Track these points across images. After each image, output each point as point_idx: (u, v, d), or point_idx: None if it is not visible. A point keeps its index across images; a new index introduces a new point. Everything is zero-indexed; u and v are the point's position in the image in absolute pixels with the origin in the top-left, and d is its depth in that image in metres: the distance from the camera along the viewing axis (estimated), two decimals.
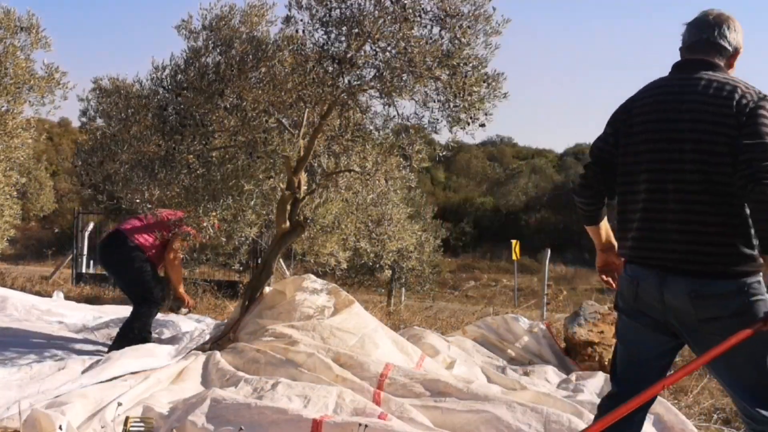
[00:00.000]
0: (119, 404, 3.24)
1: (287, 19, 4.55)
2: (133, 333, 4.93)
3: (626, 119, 2.44)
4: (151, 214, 5.03)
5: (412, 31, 4.25)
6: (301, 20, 4.53)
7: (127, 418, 3.12)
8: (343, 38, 4.39)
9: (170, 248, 5.17)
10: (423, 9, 4.25)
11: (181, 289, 5.37)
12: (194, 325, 6.19)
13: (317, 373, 3.97)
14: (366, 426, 2.94)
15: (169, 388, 3.84)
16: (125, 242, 5.08)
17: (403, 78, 4.27)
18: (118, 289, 9.47)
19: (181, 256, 5.31)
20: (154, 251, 5.14)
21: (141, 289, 5.14)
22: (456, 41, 4.24)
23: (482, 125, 4.43)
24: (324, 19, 4.44)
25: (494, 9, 4.27)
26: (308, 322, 4.65)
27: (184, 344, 5.13)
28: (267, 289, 5.33)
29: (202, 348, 4.83)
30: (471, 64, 4.30)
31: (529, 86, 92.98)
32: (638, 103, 2.43)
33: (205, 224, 4.32)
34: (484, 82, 4.32)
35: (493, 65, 4.45)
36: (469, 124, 4.38)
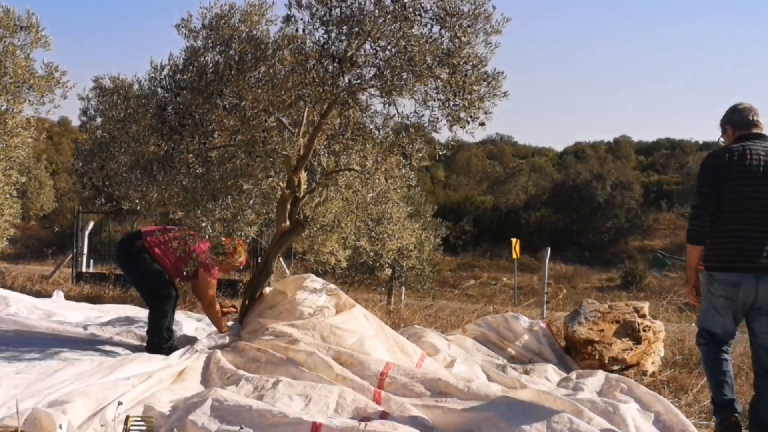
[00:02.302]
0: (119, 403, 3.24)
1: (287, 18, 4.54)
2: (154, 341, 4.98)
3: (726, 172, 3.53)
4: (180, 234, 4.93)
5: (412, 30, 4.24)
6: (301, 19, 4.53)
7: (127, 417, 3.12)
8: (343, 37, 4.38)
9: (204, 293, 5.18)
10: (423, 8, 4.25)
11: (224, 326, 5.31)
12: (195, 324, 6.19)
13: (318, 371, 3.97)
14: (366, 425, 2.94)
15: (170, 387, 3.84)
16: (136, 243, 5.09)
17: (403, 77, 4.26)
18: (119, 288, 9.49)
19: (215, 297, 5.27)
20: (164, 258, 5.10)
21: (146, 286, 5.15)
22: (456, 40, 4.23)
23: (482, 124, 4.43)
24: (324, 18, 4.43)
25: (494, 8, 4.27)
26: (308, 321, 4.65)
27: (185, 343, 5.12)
28: (267, 289, 5.33)
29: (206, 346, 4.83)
30: (471, 63, 4.30)
31: (529, 85, 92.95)
32: (734, 162, 3.53)
33: (204, 224, 4.30)
34: (484, 80, 4.32)
35: (493, 64, 4.44)
36: (469, 123, 4.38)
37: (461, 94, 4.28)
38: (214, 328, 5.92)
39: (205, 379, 4.12)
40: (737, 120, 3.70)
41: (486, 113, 4.36)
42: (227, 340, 4.79)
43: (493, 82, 4.33)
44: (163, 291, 5.08)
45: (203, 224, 4.26)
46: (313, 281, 5.12)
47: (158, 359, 4.29)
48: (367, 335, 4.59)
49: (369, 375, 3.93)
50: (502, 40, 4.34)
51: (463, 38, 4.23)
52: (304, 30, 4.50)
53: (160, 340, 4.99)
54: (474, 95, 4.28)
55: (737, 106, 3.74)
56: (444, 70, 4.27)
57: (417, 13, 4.24)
